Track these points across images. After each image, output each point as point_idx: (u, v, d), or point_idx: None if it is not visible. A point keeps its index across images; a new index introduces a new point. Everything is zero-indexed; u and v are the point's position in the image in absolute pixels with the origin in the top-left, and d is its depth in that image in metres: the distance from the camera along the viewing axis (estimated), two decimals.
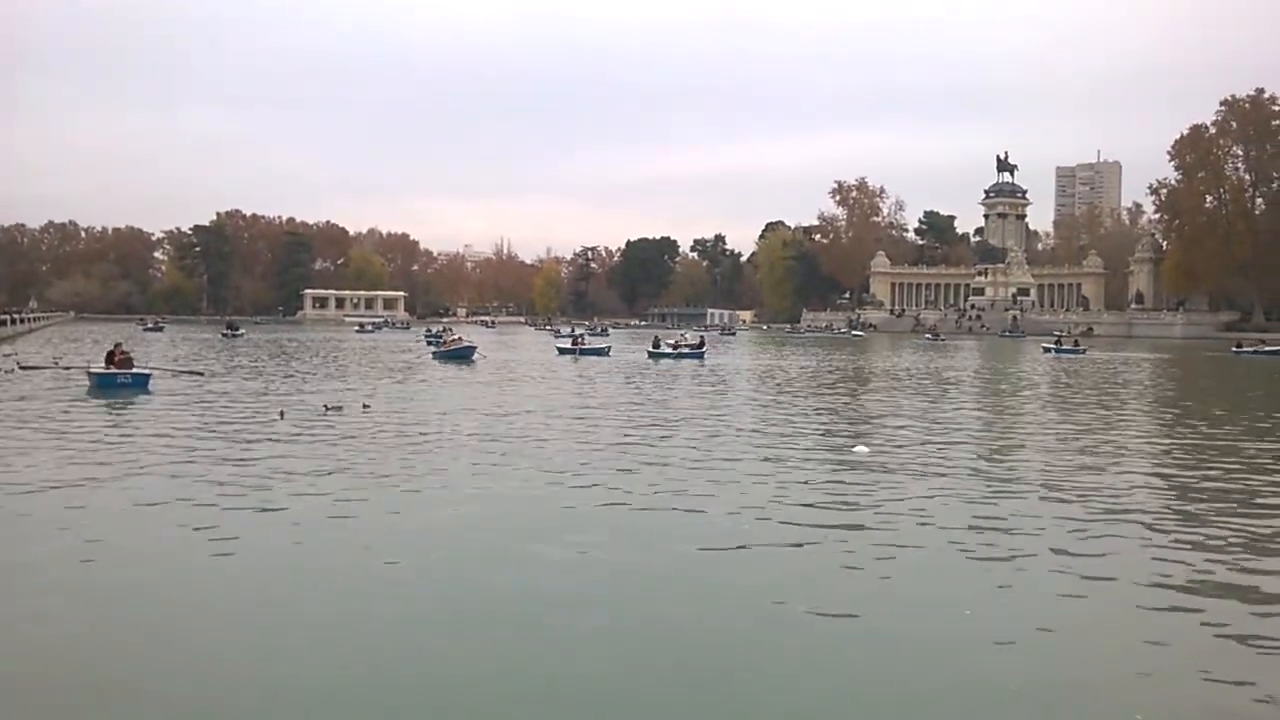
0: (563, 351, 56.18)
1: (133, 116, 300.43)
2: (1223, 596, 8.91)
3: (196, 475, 14.06)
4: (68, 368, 32.94)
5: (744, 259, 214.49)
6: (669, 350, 53.07)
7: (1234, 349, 68.25)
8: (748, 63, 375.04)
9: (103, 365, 28.40)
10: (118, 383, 26.94)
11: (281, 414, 21.58)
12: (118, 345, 30.06)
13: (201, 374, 31.66)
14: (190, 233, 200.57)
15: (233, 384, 30.84)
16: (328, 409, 22.44)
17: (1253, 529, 11.60)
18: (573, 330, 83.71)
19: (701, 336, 61.05)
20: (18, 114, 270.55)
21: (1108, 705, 6.51)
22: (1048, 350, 68.34)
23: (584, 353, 55.39)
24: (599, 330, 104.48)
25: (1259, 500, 13.54)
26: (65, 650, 7.21)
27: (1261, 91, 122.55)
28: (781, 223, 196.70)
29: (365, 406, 23.36)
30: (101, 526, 10.93)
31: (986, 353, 72.17)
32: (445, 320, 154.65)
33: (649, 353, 54.30)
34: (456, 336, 57.54)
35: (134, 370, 27.87)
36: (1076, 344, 71.36)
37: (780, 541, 10.69)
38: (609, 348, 59.57)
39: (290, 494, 12.82)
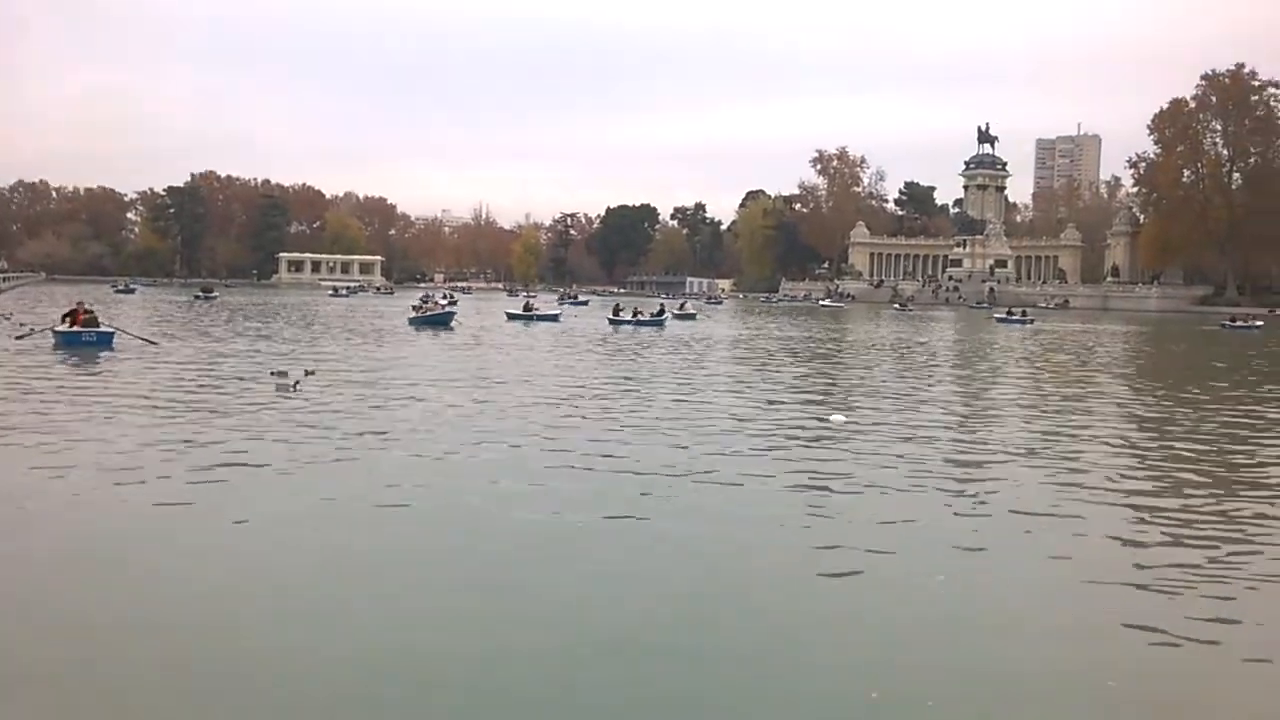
0: (512, 317, 56.20)
1: (105, 74, 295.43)
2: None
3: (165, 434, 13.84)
4: (34, 329, 32.30)
5: (724, 228, 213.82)
6: (628, 319, 53.81)
7: (1225, 324, 69.03)
8: (730, 31, 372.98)
9: (65, 324, 28.28)
10: (82, 340, 26.85)
11: (281, 373, 20.90)
12: (80, 304, 29.93)
13: (156, 344, 30.90)
14: (164, 194, 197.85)
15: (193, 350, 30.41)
16: (274, 374, 20.82)
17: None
18: (526, 295, 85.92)
19: (661, 305, 62.17)
20: None
21: (1077, 667, 6.48)
22: (1001, 320, 73.32)
23: (537, 318, 55.76)
24: (574, 298, 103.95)
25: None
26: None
27: (1241, 66, 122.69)
28: (762, 191, 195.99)
29: (309, 373, 21.19)
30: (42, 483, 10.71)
31: (950, 322, 73.79)
32: (424, 286, 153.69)
33: (609, 320, 54.93)
34: (436, 302, 57.08)
35: (97, 329, 27.84)
36: (1024, 314, 76.46)
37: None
38: (559, 314, 60.26)
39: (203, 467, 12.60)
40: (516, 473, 11.97)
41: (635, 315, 54.39)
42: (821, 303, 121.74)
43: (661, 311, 56.05)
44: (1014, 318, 72.72)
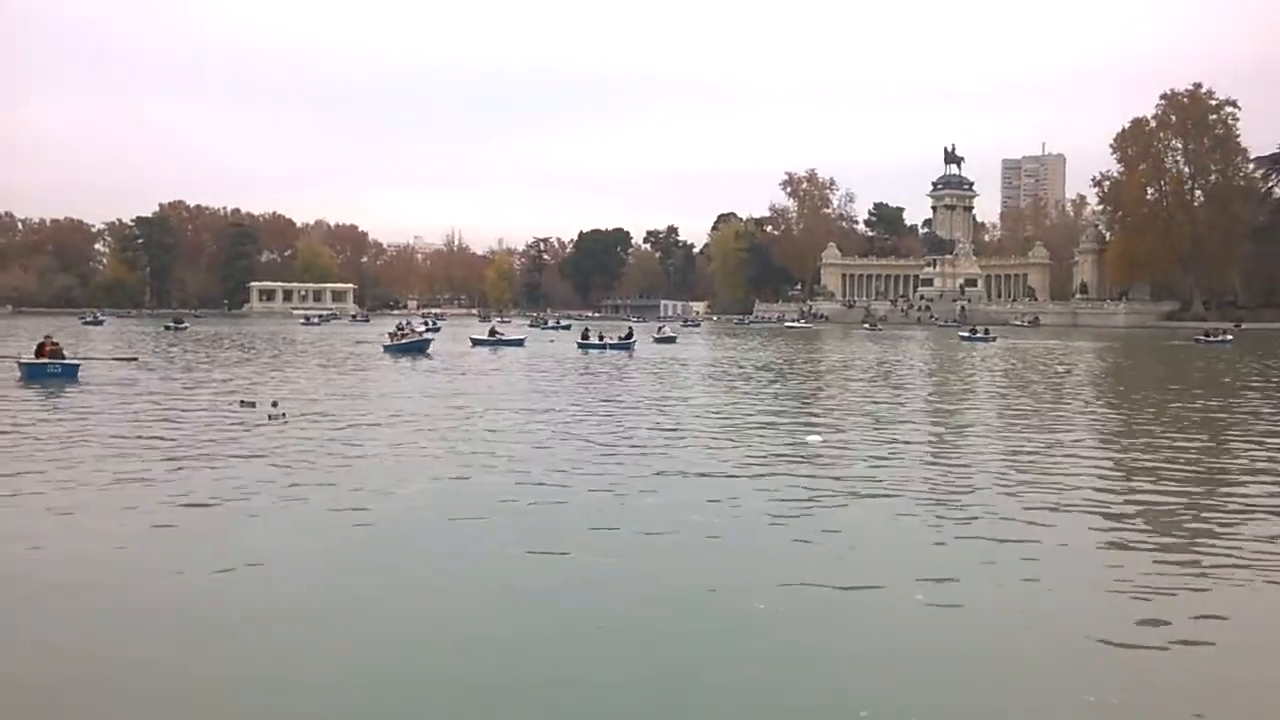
0: (476, 343, 56.24)
1: (71, 104, 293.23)
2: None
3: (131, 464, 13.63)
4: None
5: (697, 250, 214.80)
6: (597, 342, 54.12)
7: (1199, 338, 69.93)
8: (701, 53, 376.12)
9: (32, 356, 28.40)
10: (47, 372, 27.03)
11: (244, 403, 21.03)
12: (48, 337, 30.07)
13: (135, 359, 31.25)
14: (132, 224, 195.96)
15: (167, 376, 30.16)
16: (241, 403, 21.19)
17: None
18: (491, 322, 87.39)
19: (630, 329, 62.92)
20: None
21: (1058, 682, 6.48)
22: (966, 339, 74.44)
23: (501, 344, 55.94)
24: (557, 323, 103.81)
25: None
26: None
27: (1199, 86, 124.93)
28: (734, 214, 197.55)
29: (274, 404, 20.80)
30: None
31: (919, 342, 74.51)
32: (397, 313, 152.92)
33: (578, 344, 55.14)
34: (414, 329, 56.82)
35: (63, 361, 27.97)
36: (988, 332, 78.47)
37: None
38: (524, 339, 60.40)
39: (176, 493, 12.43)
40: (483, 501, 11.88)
41: (602, 339, 54.70)
42: (788, 324, 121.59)
43: (629, 335, 56.10)
44: (977, 335, 74.72)
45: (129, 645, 6.96)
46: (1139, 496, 12.59)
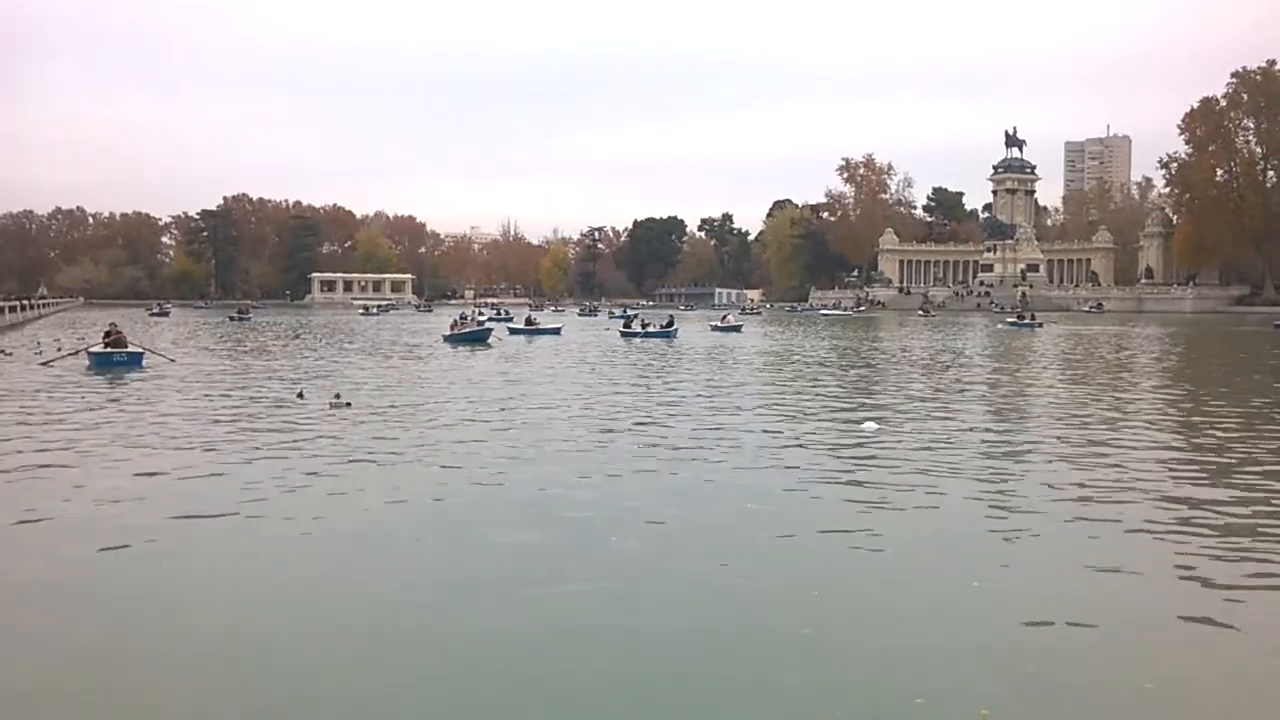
0: (514, 332, 56.17)
1: (139, 102, 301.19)
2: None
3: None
4: (74, 352, 32.89)
5: (751, 238, 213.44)
6: (638, 330, 54.41)
7: (1278, 324, 67.65)
8: (753, 39, 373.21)
9: (100, 345, 29.52)
10: (114, 361, 27.93)
11: (300, 394, 21.04)
12: (113, 324, 31.38)
13: (174, 360, 31.36)
14: (198, 217, 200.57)
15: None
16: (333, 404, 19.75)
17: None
18: (529, 311, 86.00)
19: (670, 317, 62.08)
20: (24, 100, 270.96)
21: (1112, 683, 6.27)
22: (1013, 324, 72.65)
23: (537, 333, 56.01)
24: (623, 311, 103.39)
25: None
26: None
27: (1273, 63, 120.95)
28: (789, 201, 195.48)
29: (337, 396, 20.05)
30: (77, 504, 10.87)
31: (964, 329, 72.86)
32: (455, 303, 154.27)
33: (620, 332, 55.32)
34: (476, 320, 56.42)
35: (128, 349, 29.08)
36: (1034, 318, 76.48)
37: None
38: (560, 328, 60.48)
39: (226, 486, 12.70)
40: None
41: (646, 327, 54.88)
42: (836, 312, 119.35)
43: (670, 323, 55.91)
44: (1025, 322, 72.87)
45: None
46: (1222, 492, 12.26)
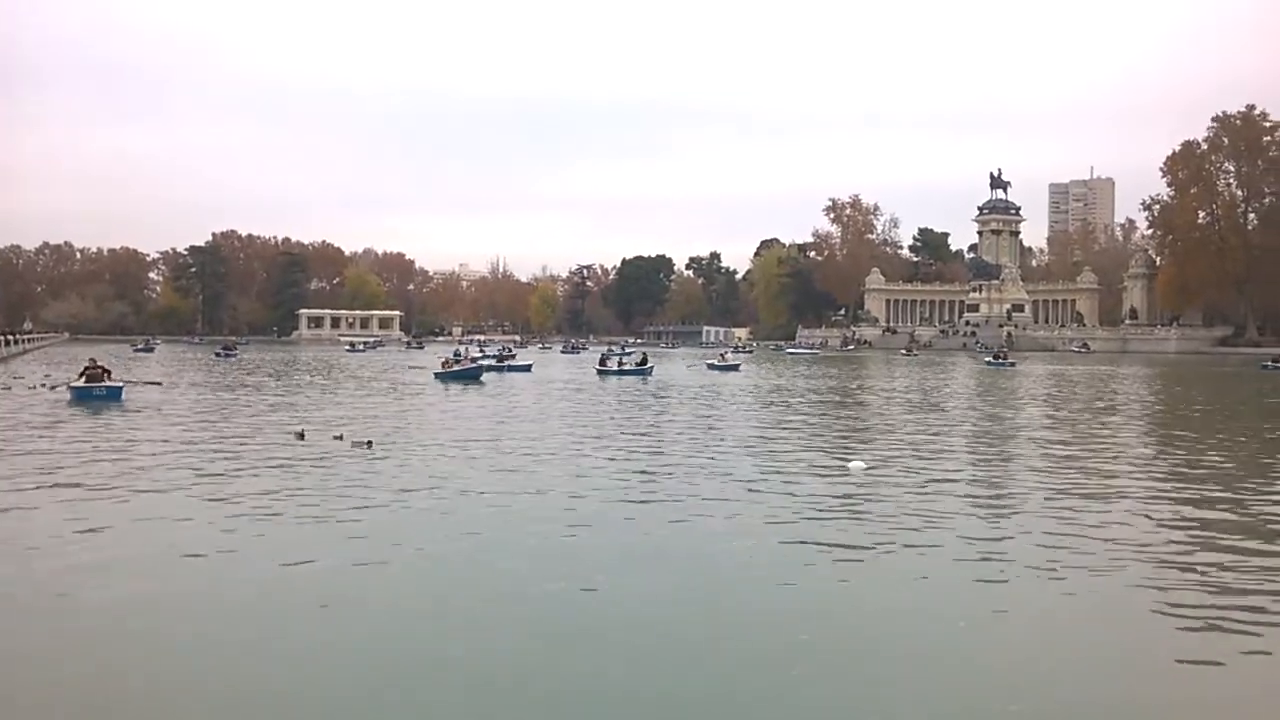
0: (488, 369, 55.85)
1: (127, 135, 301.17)
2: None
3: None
4: (54, 386, 33.82)
5: (739, 276, 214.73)
6: (614, 368, 55.27)
7: (1268, 364, 68.15)
8: (741, 81, 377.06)
9: (81, 380, 29.72)
10: (94, 395, 28.29)
11: (301, 434, 20.54)
12: (93, 360, 31.69)
13: (160, 383, 32.47)
14: (185, 253, 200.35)
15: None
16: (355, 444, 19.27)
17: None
18: (500, 347, 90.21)
19: (644, 354, 62.31)
20: (10, 131, 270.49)
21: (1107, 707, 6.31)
22: (989, 364, 75.00)
23: (509, 369, 57.82)
24: (622, 347, 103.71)
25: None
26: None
27: (1252, 108, 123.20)
28: (776, 240, 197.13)
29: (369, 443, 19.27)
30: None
31: (947, 368, 73.03)
32: (442, 340, 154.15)
33: (597, 370, 55.93)
34: (473, 357, 56.67)
35: (107, 383, 29.36)
36: (1007, 357, 79.54)
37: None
38: (530, 365, 62.84)
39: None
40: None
41: (621, 365, 55.71)
42: (789, 351, 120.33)
43: (644, 361, 56.40)
44: (1000, 361, 75.22)
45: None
46: (1203, 533, 12.25)
